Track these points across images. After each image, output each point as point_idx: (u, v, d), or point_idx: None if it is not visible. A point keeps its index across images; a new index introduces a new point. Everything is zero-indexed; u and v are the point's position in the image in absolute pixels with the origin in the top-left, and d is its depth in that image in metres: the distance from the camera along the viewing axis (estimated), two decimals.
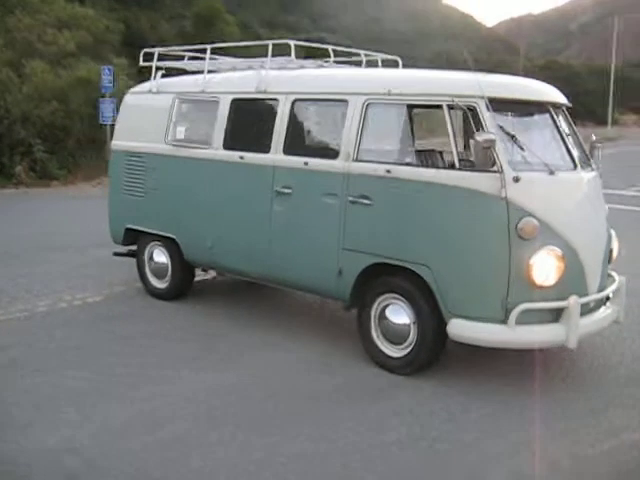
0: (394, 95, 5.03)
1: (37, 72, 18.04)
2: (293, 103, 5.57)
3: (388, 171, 4.93)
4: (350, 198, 5.14)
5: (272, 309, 6.73)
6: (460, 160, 4.88)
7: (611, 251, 5.40)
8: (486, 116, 4.66)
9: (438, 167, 5.06)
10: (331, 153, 5.35)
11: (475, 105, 4.68)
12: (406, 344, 5.04)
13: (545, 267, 4.58)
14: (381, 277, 5.14)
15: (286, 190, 5.55)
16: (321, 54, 6.76)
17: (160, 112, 6.58)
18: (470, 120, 4.72)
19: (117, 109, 17.09)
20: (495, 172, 4.54)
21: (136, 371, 5.10)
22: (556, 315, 4.70)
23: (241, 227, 5.94)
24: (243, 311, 6.57)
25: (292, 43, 5.76)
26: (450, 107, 4.76)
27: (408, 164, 5.01)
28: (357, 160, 5.12)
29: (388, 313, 5.12)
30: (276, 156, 5.62)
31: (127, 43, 25.40)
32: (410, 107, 5.14)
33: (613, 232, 5.45)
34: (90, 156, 18.52)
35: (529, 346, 4.93)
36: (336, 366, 5.26)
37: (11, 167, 16.49)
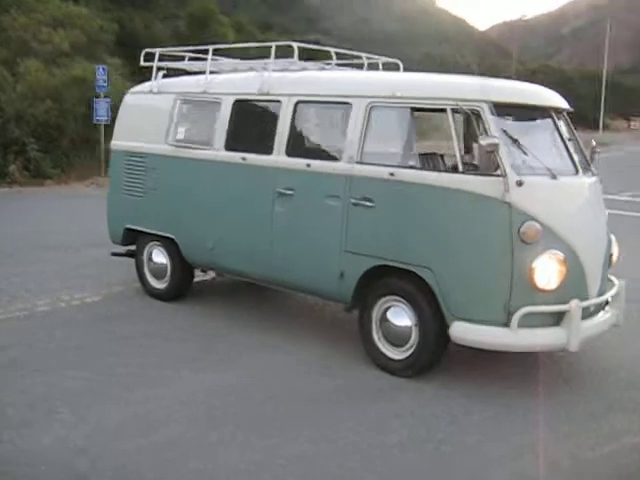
0: (398, 98, 5.05)
1: (31, 71, 17.99)
2: (296, 105, 5.58)
3: (392, 174, 4.94)
4: (352, 200, 5.15)
5: (272, 310, 6.73)
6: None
7: (611, 255, 5.43)
8: (490, 120, 4.68)
9: (442, 170, 5.07)
10: (334, 155, 5.37)
11: (479, 109, 4.71)
12: (407, 346, 5.05)
13: (547, 271, 4.61)
14: (383, 279, 5.15)
15: (288, 191, 5.55)
16: (320, 56, 6.77)
17: (161, 112, 6.58)
18: (474, 124, 4.73)
19: (111, 109, 17.33)
20: (498, 176, 4.57)
21: (136, 371, 5.09)
22: (557, 319, 4.72)
23: (242, 228, 5.94)
24: (243, 312, 6.57)
25: (295, 45, 5.77)
26: (454, 111, 4.78)
27: (412, 167, 5.03)
28: (360, 162, 5.14)
29: (390, 315, 5.13)
30: (278, 157, 5.63)
31: (121, 43, 25.37)
32: (414, 110, 5.15)
33: (613, 237, 5.48)
34: (84, 156, 18.47)
35: (531, 349, 4.96)
36: (336, 368, 5.26)
37: (5, 166, 16.42)
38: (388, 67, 6.78)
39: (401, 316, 5.07)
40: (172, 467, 3.80)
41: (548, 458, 4.01)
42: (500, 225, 4.59)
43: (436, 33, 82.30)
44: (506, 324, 4.61)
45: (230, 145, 6.02)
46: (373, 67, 6.79)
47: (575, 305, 4.64)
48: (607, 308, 5.24)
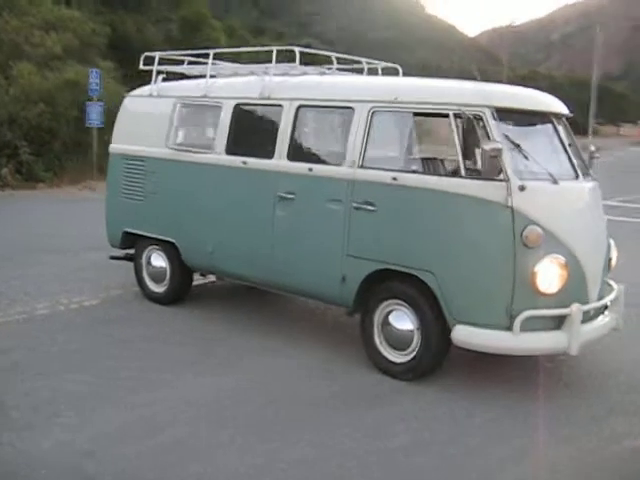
0: (400, 103, 5.08)
1: (24, 74, 17.92)
2: (297, 109, 5.60)
3: (394, 178, 4.97)
4: (354, 204, 5.17)
5: (273, 314, 6.74)
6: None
7: (610, 260, 5.48)
8: (492, 125, 4.72)
9: (445, 175, 5.10)
10: (336, 159, 5.39)
11: (481, 114, 4.74)
12: (409, 350, 5.07)
13: (549, 275, 4.64)
14: (385, 283, 5.17)
15: (289, 196, 5.57)
16: (317, 60, 6.79)
17: (161, 116, 6.58)
18: (476, 129, 4.76)
19: (104, 112, 17.31)
20: (501, 181, 4.60)
21: (137, 375, 5.08)
22: (558, 322, 4.76)
23: (243, 232, 5.95)
24: (242, 316, 6.57)
25: (297, 50, 5.79)
26: (457, 116, 4.81)
27: (414, 171, 5.06)
28: (362, 167, 5.16)
29: (391, 319, 5.15)
30: (280, 162, 5.64)
31: (113, 46, 25.31)
32: (416, 115, 5.18)
33: (612, 241, 5.53)
34: (76, 159, 18.40)
35: (532, 353, 5.00)
36: (338, 372, 5.27)
37: None
38: (387, 72, 6.82)
39: (403, 320, 5.09)
40: (173, 470, 3.79)
41: (551, 461, 4.05)
42: (503, 229, 4.63)
43: (427, 39, 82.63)
44: (508, 328, 4.64)
45: (231, 149, 6.03)
46: (372, 72, 6.82)
47: (576, 309, 4.68)
48: (606, 312, 5.28)
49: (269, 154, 5.72)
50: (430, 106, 5.03)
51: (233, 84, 6.39)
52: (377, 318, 5.23)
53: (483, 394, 4.92)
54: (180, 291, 6.82)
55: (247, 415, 4.50)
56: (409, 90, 5.21)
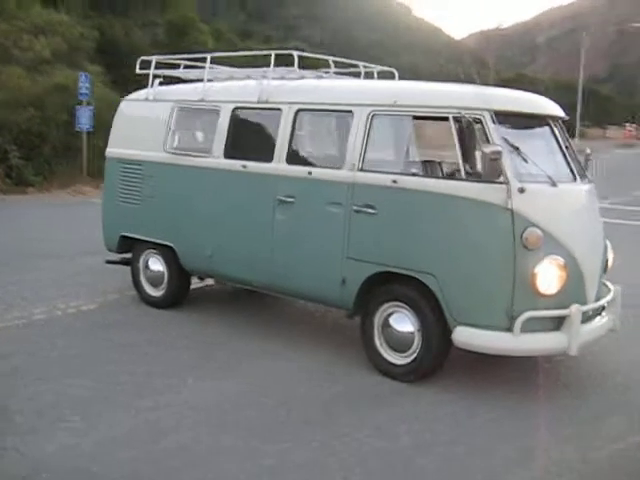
0: (400, 106, 5.12)
1: (14, 78, 17.85)
2: (296, 113, 5.62)
3: (394, 181, 5.00)
4: (355, 207, 5.20)
5: (271, 318, 6.75)
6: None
7: (607, 261, 5.53)
8: (492, 128, 4.77)
9: (445, 178, 5.14)
10: (335, 163, 5.42)
11: (481, 118, 4.78)
12: (410, 352, 5.10)
13: (548, 276, 4.69)
14: (385, 286, 5.20)
15: (289, 199, 5.59)
16: (312, 64, 6.80)
17: (158, 120, 6.59)
18: (475, 132, 4.79)
19: (94, 116, 17.27)
20: (501, 183, 4.64)
21: (138, 379, 5.08)
22: (558, 323, 4.81)
23: (242, 235, 5.96)
24: (241, 319, 6.58)
25: (295, 54, 5.81)
26: (456, 119, 4.85)
27: (414, 174, 5.10)
28: (362, 170, 5.19)
29: (392, 321, 5.18)
30: (279, 165, 5.67)
31: (100, 50, 25.26)
32: (415, 119, 5.21)
33: (608, 243, 5.59)
34: (66, 163, 18.34)
35: (532, 353, 5.06)
36: (339, 374, 5.29)
37: None
38: (382, 76, 6.86)
39: (403, 322, 5.12)
40: (177, 475, 3.80)
41: (557, 459, 4.09)
42: (503, 231, 4.67)
43: (414, 42, 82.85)
44: (509, 329, 4.69)
45: (229, 153, 6.05)
46: (368, 76, 6.85)
47: (575, 310, 4.73)
48: (604, 313, 5.33)
49: (268, 158, 5.74)
50: (430, 109, 5.08)
51: (231, 88, 6.41)
52: (377, 320, 5.26)
53: (484, 395, 4.96)
54: (178, 295, 6.82)
55: (250, 419, 4.50)
56: (408, 94, 5.25)
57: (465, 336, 4.80)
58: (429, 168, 5.51)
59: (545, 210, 4.80)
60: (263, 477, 3.82)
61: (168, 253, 6.59)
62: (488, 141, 4.73)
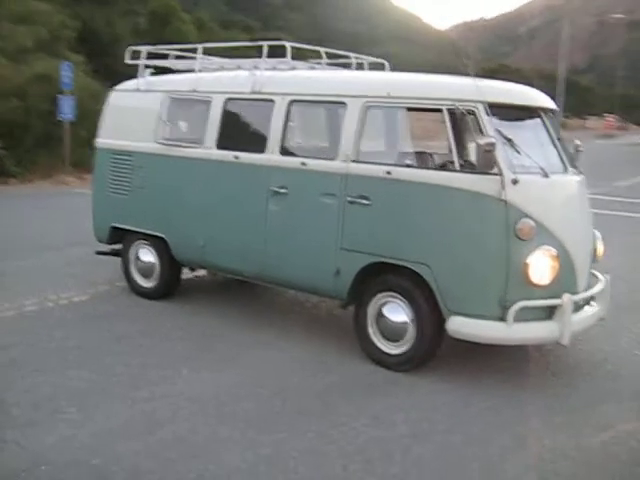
0: (394, 98, 5.14)
1: None
2: (290, 104, 5.62)
3: (389, 172, 5.03)
4: (349, 198, 5.23)
5: (263, 308, 6.78)
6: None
7: (595, 250, 5.61)
8: (485, 120, 4.81)
9: (439, 169, 5.18)
10: (329, 154, 5.44)
11: (475, 109, 4.82)
12: (404, 341, 5.15)
13: (541, 266, 4.75)
14: (380, 276, 5.24)
15: (282, 190, 5.60)
16: (301, 55, 6.80)
17: (149, 110, 6.56)
18: (469, 124, 4.83)
19: (76, 106, 17.14)
20: (495, 175, 4.69)
21: (132, 371, 5.07)
22: (549, 313, 4.87)
23: (234, 226, 5.97)
24: (234, 310, 6.59)
25: (288, 45, 5.82)
26: (450, 111, 4.88)
27: (408, 165, 5.13)
28: (356, 161, 5.21)
29: (386, 311, 5.22)
30: (272, 156, 5.67)
31: (82, 39, 25.01)
32: (409, 110, 5.24)
33: (598, 233, 5.66)
34: (48, 154, 18.19)
35: (525, 342, 5.13)
36: (332, 364, 5.33)
37: None
38: (373, 67, 6.87)
39: (397, 312, 5.17)
40: (174, 466, 3.82)
41: (551, 446, 4.16)
42: (496, 222, 4.72)
43: (396, 32, 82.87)
44: (502, 318, 4.74)
45: (222, 143, 6.04)
46: (359, 66, 6.85)
47: (567, 299, 4.80)
48: (593, 302, 5.41)
49: (261, 149, 5.75)
50: (423, 101, 5.11)
51: (223, 79, 6.39)
52: (371, 310, 5.30)
53: (478, 384, 5.02)
54: (169, 286, 6.82)
55: (246, 410, 4.52)
56: (402, 85, 5.28)
57: (459, 326, 4.86)
58: (423, 159, 5.53)
59: (538, 201, 4.86)
60: (261, 466, 3.85)
61: (159, 244, 6.58)
62: (482, 133, 4.77)
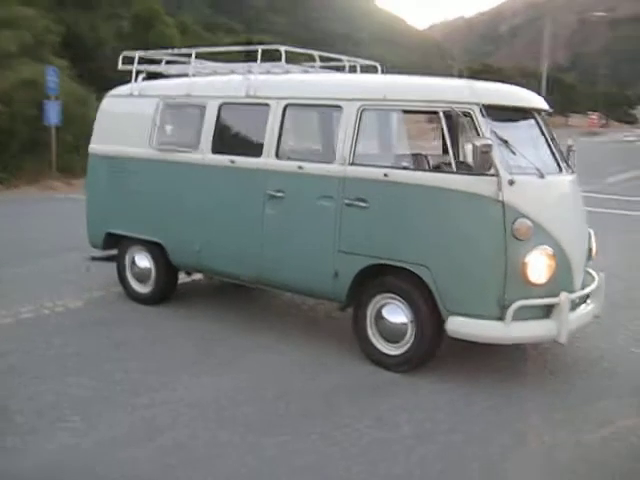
0: (390, 101, 5.18)
1: None
2: (285, 108, 5.65)
3: (386, 175, 5.07)
4: (346, 201, 5.26)
5: (260, 311, 6.80)
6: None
7: (590, 249, 5.67)
8: (481, 122, 4.86)
9: (436, 171, 5.22)
10: (326, 157, 5.47)
11: (470, 111, 4.87)
12: (403, 342, 5.19)
13: (538, 265, 4.81)
14: (378, 278, 5.27)
15: (279, 194, 5.62)
16: (292, 58, 6.82)
17: (143, 116, 6.56)
18: (465, 126, 4.89)
19: (62, 111, 17.08)
20: (492, 176, 4.74)
21: (132, 377, 5.07)
22: (547, 311, 4.93)
23: (231, 231, 5.99)
24: (230, 313, 6.61)
25: (282, 49, 5.84)
26: (446, 113, 4.93)
27: (405, 168, 5.17)
28: (353, 164, 5.25)
29: (385, 312, 5.26)
30: (268, 160, 5.69)
31: (65, 44, 24.91)
32: (405, 113, 5.28)
33: (592, 231, 5.73)
34: (34, 159, 18.11)
35: (524, 341, 5.19)
36: (333, 365, 5.36)
37: None
38: (365, 70, 6.91)
39: (396, 313, 5.20)
40: (174, 473, 3.83)
41: (552, 443, 4.22)
42: (494, 222, 4.77)
43: (379, 34, 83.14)
44: (500, 318, 4.79)
45: (217, 148, 6.06)
46: (351, 69, 6.88)
47: (565, 297, 4.86)
48: (589, 300, 5.48)
49: (257, 153, 5.77)
50: (419, 104, 5.15)
51: (217, 83, 6.39)
52: (370, 312, 5.33)
53: (478, 383, 5.06)
54: (166, 291, 6.82)
55: (247, 414, 4.53)
56: (398, 88, 5.31)
57: (458, 326, 4.90)
58: (420, 161, 5.57)
59: (534, 201, 4.91)
60: (264, 469, 3.87)
61: (155, 249, 6.59)
62: (478, 134, 4.82)
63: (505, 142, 4.92)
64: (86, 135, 7.59)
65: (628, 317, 6.71)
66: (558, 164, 5.34)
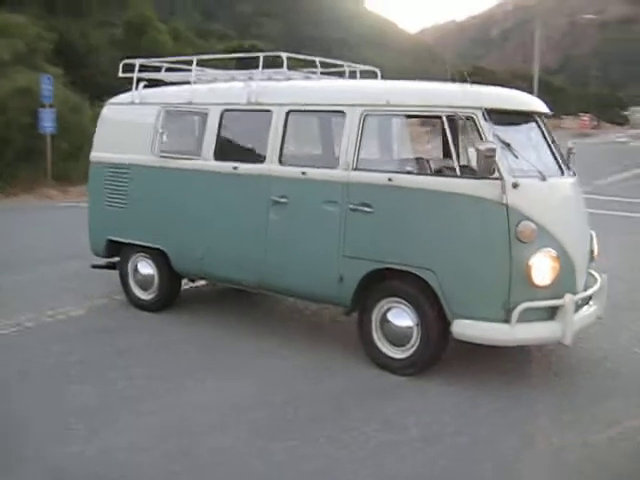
0: (393, 106, 5.22)
1: None
2: (287, 114, 5.67)
3: (390, 179, 5.10)
4: (350, 206, 5.28)
5: (263, 316, 6.80)
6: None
7: (592, 251, 5.71)
8: (484, 126, 4.90)
9: (440, 175, 5.25)
10: (329, 162, 5.49)
11: (473, 116, 4.91)
12: (409, 346, 5.21)
13: (542, 268, 4.84)
14: (384, 282, 5.30)
15: (283, 199, 5.65)
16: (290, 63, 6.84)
17: (145, 123, 6.57)
18: (468, 130, 4.94)
19: (57, 118, 17.08)
20: (496, 179, 4.78)
21: (137, 384, 5.08)
22: (551, 313, 4.96)
23: (234, 236, 6.00)
24: (233, 319, 6.62)
25: (284, 55, 5.87)
26: (449, 118, 4.97)
27: (409, 172, 5.20)
28: (357, 169, 5.27)
29: (390, 316, 5.28)
30: (271, 166, 5.71)
31: (58, 51, 24.89)
32: (408, 118, 5.31)
33: (593, 233, 5.77)
34: (29, 167, 18.09)
35: (529, 343, 5.22)
36: (338, 369, 5.37)
37: None
38: (364, 75, 6.94)
39: (402, 317, 5.23)
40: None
41: (560, 444, 4.24)
42: (498, 226, 4.80)
43: (371, 38, 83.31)
44: (505, 320, 4.82)
45: (219, 155, 6.07)
46: (351, 75, 6.91)
47: (569, 299, 4.89)
48: (591, 302, 5.51)
49: (260, 159, 5.79)
50: (422, 109, 5.19)
51: (219, 90, 6.41)
52: (375, 316, 5.35)
53: (484, 386, 5.09)
54: (169, 297, 6.83)
55: (254, 420, 4.52)
56: (400, 93, 5.34)
57: (463, 328, 4.93)
58: (423, 166, 5.60)
59: (537, 204, 4.95)
60: (273, 474, 3.89)
61: (158, 256, 6.59)
62: (481, 138, 4.86)
63: (508, 145, 4.96)
64: (81, 143, 7.60)
65: (630, 318, 6.75)
66: (560, 167, 5.39)
